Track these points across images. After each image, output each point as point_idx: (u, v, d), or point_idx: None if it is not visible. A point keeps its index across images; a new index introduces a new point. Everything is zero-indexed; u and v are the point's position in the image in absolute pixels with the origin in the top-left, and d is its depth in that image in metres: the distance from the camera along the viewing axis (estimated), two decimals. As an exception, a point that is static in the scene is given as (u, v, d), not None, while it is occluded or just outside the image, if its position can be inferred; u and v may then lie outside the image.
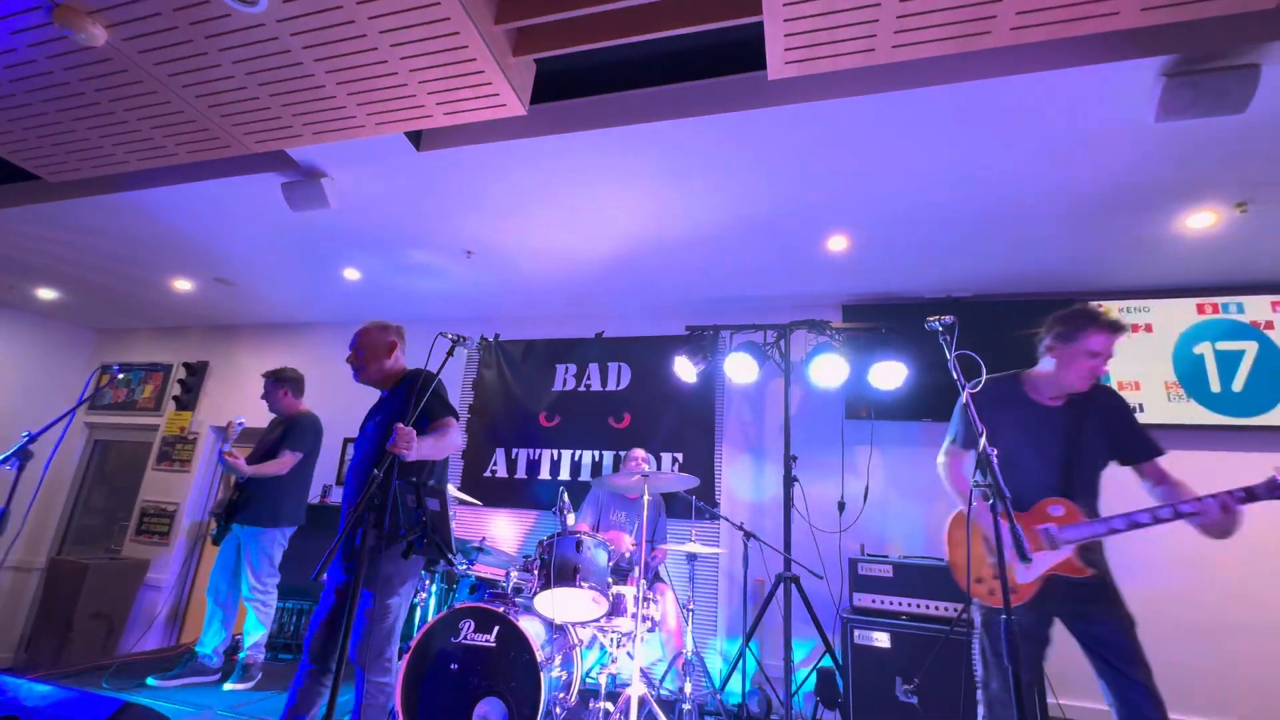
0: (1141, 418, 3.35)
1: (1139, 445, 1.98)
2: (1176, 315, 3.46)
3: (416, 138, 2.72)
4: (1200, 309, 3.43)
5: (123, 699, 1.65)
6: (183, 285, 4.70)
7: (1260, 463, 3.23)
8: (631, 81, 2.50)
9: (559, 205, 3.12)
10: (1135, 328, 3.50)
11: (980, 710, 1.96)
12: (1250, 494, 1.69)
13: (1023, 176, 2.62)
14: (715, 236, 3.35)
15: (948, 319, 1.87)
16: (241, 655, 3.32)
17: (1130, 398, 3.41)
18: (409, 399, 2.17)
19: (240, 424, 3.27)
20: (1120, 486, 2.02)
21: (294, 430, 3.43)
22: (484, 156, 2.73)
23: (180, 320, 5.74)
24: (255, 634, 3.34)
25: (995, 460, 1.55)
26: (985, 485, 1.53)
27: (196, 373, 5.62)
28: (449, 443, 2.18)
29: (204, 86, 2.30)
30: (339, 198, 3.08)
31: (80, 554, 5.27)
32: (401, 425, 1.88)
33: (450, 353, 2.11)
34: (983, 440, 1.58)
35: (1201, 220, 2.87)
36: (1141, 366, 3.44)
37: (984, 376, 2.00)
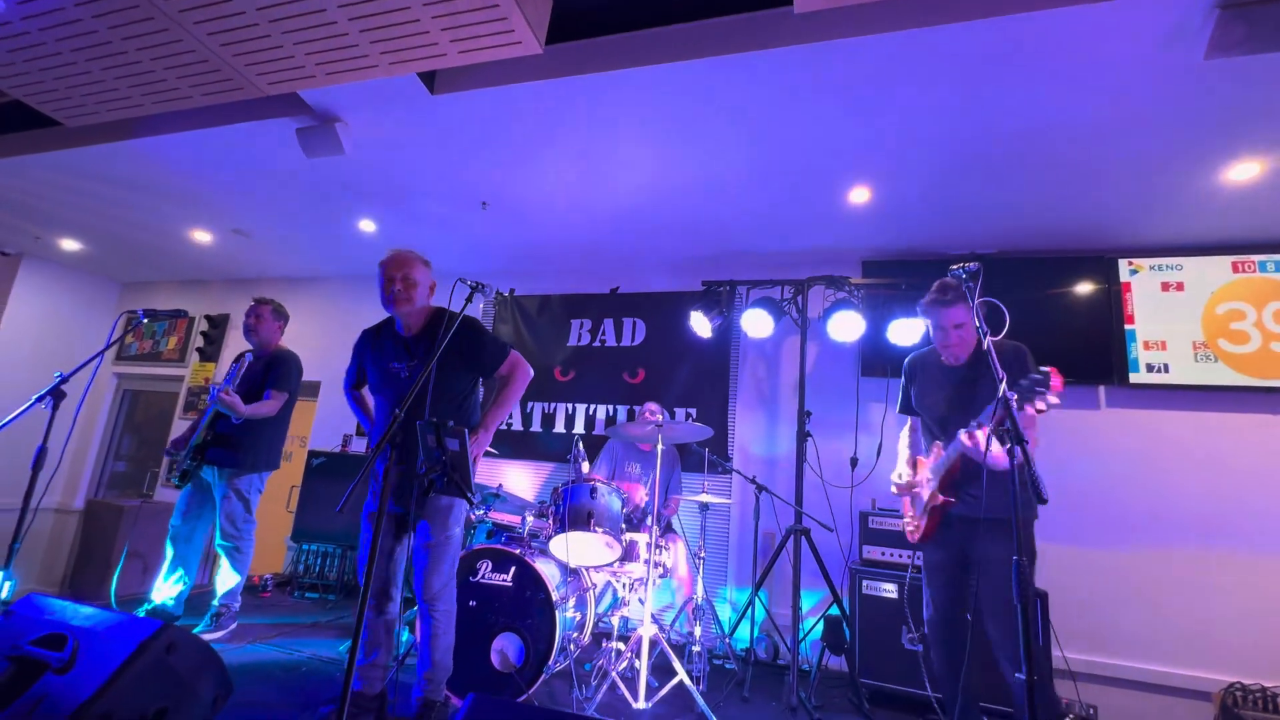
0: (1167, 378, 3.31)
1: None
2: (1210, 274, 3.34)
3: (430, 80, 2.67)
4: (1235, 267, 3.31)
5: (160, 622, 1.74)
6: (202, 236, 4.73)
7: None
8: (650, 19, 2.41)
9: (574, 153, 3.06)
10: (1166, 286, 3.40)
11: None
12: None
13: (1056, 121, 2.51)
14: (734, 186, 3.28)
15: (972, 265, 1.83)
16: (215, 603, 3.07)
17: (1155, 357, 3.35)
18: (457, 345, 2.15)
19: (250, 359, 3.22)
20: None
21: (279, 368, 3.18)
22: (499, 100, 2.67)
23: (201, 274, 5.81)
24: (230, 582, 3.09)
25: (1014, 407, 1.55)
26: (1005, 430, 1.52)
27: (218, 325, 5.72)
28: (526, 372, 2.36)
29: (216, 24, 2.25)
30: (354, 144, 3.04)
31: (115, 498, 5.49)
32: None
33: (469, 299, 2.10)
34: (1003, 386, 1.58)
35: (1245, 171, 2.74)
36: (1170, 326, 3.35)
37: (1007, 325, 1.99)
